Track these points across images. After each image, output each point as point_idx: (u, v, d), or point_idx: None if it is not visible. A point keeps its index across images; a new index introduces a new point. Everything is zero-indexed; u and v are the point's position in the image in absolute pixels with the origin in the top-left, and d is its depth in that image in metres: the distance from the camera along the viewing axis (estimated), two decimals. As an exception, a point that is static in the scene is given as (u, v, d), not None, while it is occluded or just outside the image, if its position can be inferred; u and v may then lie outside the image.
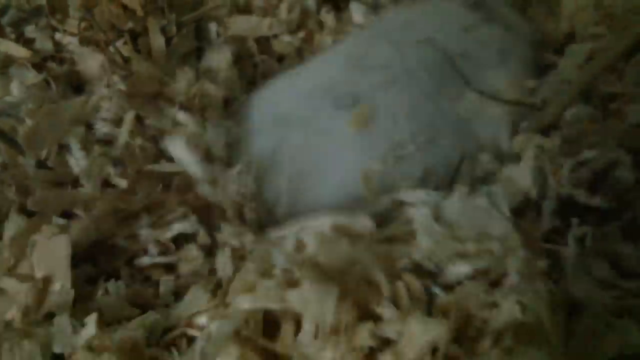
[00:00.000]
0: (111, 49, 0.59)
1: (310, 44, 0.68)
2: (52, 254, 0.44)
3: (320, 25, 0.69)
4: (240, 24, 0.64)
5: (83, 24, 0.61)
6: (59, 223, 0.47)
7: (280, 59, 0.67)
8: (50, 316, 0.42)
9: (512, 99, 0.53)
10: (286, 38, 0.66)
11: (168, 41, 0.60)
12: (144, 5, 0.61)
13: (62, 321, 0.41)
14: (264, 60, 0.64)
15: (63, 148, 0.52)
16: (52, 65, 0.60)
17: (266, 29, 0.65)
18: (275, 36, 0.66)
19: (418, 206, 0.44)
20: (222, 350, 0.37)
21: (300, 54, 0.67)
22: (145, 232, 0.48)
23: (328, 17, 0.68)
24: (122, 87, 0.55)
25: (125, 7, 0.61)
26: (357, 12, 0.68)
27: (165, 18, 0.61)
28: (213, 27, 0.63)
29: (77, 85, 0.60)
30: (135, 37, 0.60)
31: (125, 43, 0.59)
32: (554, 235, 0.45)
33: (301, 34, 0.67)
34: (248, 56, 0.64)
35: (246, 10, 0.66)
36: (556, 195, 0.46)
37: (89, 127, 0.54)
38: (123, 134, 0.52)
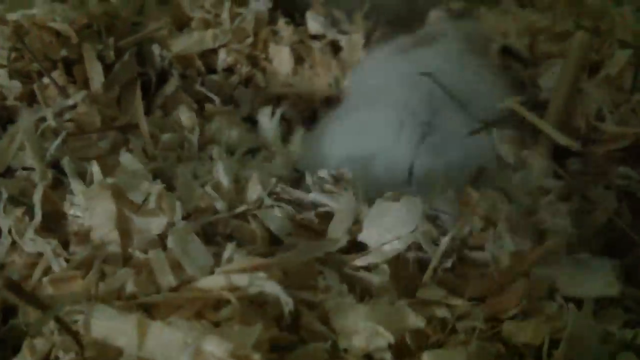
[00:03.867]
0: (45, 80, 0.55)
1: (264, 52, 0.65)
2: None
3: (275, 33, 0.66)
4: (183, 42, 0.61)
5: (13, 54, 0.57)
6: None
7: (230, 69, 0.64)
8: None
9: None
10: (235, 46, 0.64)
11: (108, 68, 0.56)
12: (79, 31, 0.57)
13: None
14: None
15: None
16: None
17: (211, 42, 0.62)
18: (224, 46, 0.64)
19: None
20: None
21: (255, 62, 0.65)
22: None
23: (283, 26, 0.66)
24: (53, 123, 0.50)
25: (58, 34, 0.57)
26: (313, 23, 0.66)
27: (103, 43, 0.57)
28: (156, 49, 0.60)
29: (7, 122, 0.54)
30: (70, 65, 0.56)
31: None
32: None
33: (249, 40, 0.64)
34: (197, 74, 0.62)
35: (187, 25, 0.63)
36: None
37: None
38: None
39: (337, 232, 0.42)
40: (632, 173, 0.48)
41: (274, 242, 0.44)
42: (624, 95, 0.54)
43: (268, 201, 0.45)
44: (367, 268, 0.41)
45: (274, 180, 0.46)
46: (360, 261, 0.41)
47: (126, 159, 0.46)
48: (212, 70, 0.63)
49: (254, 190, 0.45)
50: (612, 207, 0.47)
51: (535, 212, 0.45)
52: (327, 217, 0.44)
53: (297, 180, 0.50)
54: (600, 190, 0.48)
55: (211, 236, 0.43)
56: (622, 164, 0.49)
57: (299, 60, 0.66)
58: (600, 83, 0.54)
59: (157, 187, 0.43)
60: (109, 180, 0.43)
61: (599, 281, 0.38)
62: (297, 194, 0.46)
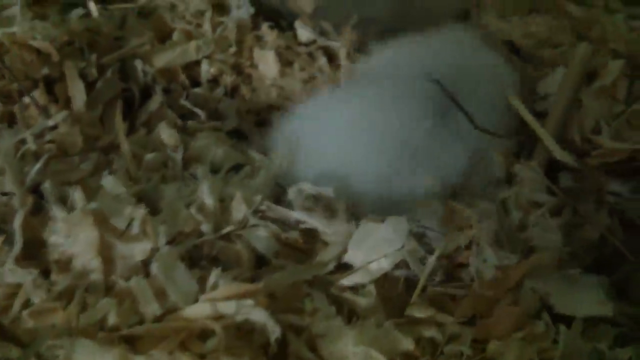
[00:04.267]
0: (26, 99, 0.54)
1: (249, 59, 0.64)
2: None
3: (259, 39, 0.65)
4: (166, 56, 0.59)
5: (-7, 74, 0.56)
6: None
7: (215, 80, 0.63)
8: None
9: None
10: (218, 57, 0.63)
11: (91, 86, 0.55)
12: (60, 49, 0.56)
13: None
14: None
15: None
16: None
17: (194, 54, 0.61)
18: (207, 57, 0.63)
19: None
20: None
21: (240, 71, 0.64)
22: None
23: (268, 32, 0.65)
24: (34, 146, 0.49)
25: (39, 52, 0.56)
26: (302, 32, 0.65)
27: (85, 60, 0.56)
28: (138, 64, 0.58)
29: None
30: (52, 84, 0.55)
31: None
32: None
33: (233, 49, 0.63)
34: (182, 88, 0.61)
35: (169, 37, 0.62)
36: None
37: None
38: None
39: (327, 256, 0.41)
40: (623, 189, 0.48)
41: (260, 262, 0.44)
42: (619, 106, 0.53)
43: (253, 220, 0.44)
44: (354, 288, 0.40)
45: (258, 198, 0.45)
46: (347, 281, 0.41)
47: (108, 182, 0.45)
48: (196, 82, 0.62)
49: (239, 210, 0.44)
50: (604, 223, 0.46)
51: (526, 228, 0.45)
52: (312, 235, 0.44)
53: (279, 196, 0.49)
54: (592, 206, 0.48)
55: (196, 259, 0.42)
56: (616, 178, 0.49)
57: (286, 63, 0.65)
58: (596, 94, 0.53)
59: (141, 211, 0.42)
60: (91, 205, 0.42)
61: (591, 299, 0.38)
62: (281, 212, 0.45)
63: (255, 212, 0.45)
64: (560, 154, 0.49)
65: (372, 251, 0.40)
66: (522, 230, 0.45)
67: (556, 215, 0.47)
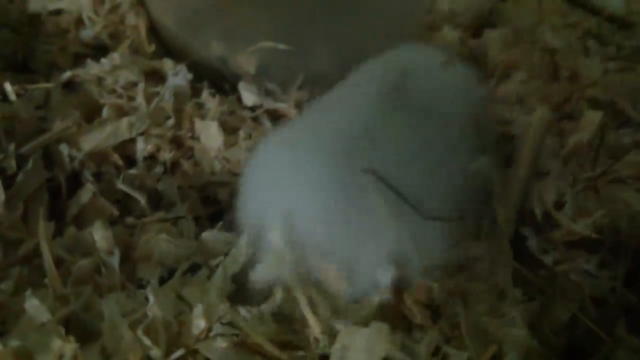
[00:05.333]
0: None
1: (190, 130, 0.60)
2: None
3: (200, 107, 0.61)
4: (95, 137, 0.54)
5: None
6: None
7: (153, 157, 0.58)
8: None
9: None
10: (155, 131, 0.58)
11: (10, 180, 0.50)
12: (-29, 140, 0.50)
13: None
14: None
15: None
16: None
17: (127, 132, 0.56)
18: (142, 133, 0.58)
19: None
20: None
21: (178, 143, 0.59)
22: None
23: (209, 100, 0.61)
24: None
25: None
26: (247, 95, 0.61)
27: (2, 152, 0.50)
28: (64, 149, 0.53)
29: None
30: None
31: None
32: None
33: (171, 121, 0.59)
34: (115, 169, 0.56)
35: (98, 114, 0.57)
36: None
37: None
38: None
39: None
40: (589, 266, 0.46)
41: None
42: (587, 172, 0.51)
43: (214, 331, 0.40)
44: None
45: (221, 308, 0.41)
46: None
47: (32, 307, 0.40)
48: (131, 160, 0.57)
49: (198, 326, 0.40)
50: (574, 303, 0.44)
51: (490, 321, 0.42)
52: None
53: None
54: (561, 283, 0.45)
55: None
56: (580, 254, 0.47)
57: (231, 131, 0.60)
58: (567, 155, 0.51)
59: (71, 346, 0.37)
60: (12, 343, 0.37)
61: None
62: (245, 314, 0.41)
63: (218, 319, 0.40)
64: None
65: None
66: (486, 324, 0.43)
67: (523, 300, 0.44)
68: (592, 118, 0.55)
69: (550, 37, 0.65)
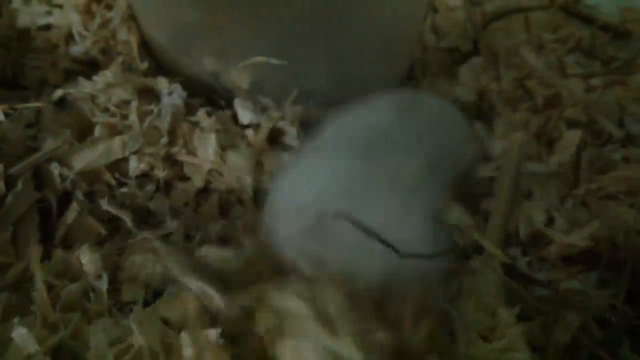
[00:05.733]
0: None
1: (184, 147, 0.59)
2: None
3: (194, 126, 0.60)
4: (87, 156, 0.53)
5: None
6: None
7: (146, 175, 0.57)
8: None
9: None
10: (148, 150, 0.57)
11: (-2, 202, 0.48)
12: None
13: None
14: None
15: None
16: None
17: (119, 151, 0.55)
18: (135, 152, 0.57)
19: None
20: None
21: (173, 162, 0.58)
22: None
23: (205, 118, 0.60)
24: None
25: None
26: (243, 112, 0.60)
27: (-11, 173, 0.49)
28: (55, 169, 0.51)
29: None
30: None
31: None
32: None
33: (164, 140, 0.58)
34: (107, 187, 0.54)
35: (90, 133, 0.56)
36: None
37: None
38: None
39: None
40: (586, 284, 0.45)
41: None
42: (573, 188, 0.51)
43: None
44: None
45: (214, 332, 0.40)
46: None
47: (20, 335, 0.39)
48: (123, 179, 0.56)
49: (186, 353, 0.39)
50: (574, 324, 0.43)
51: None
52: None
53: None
54: (560, 301, 0.45)
55: None
56: (575, 272, 0.46)
57: (225, 148, 0.59)
58: (547, 177, 0.50)
59: (58, 377, 0.36)
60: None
61: None
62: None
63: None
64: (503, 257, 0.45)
65: None
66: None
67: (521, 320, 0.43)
68: (572, 138, 0.55)
69: (532, 59, 0.64)
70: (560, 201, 0.49)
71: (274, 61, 0.59)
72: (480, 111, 0.63)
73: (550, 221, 0.49)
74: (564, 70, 0.62)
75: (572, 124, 0.58)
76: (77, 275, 0.45)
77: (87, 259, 0.45)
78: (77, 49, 0.66)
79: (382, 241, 0.43)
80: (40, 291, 0.42)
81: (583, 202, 0.50)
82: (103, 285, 0.44)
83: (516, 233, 0.49)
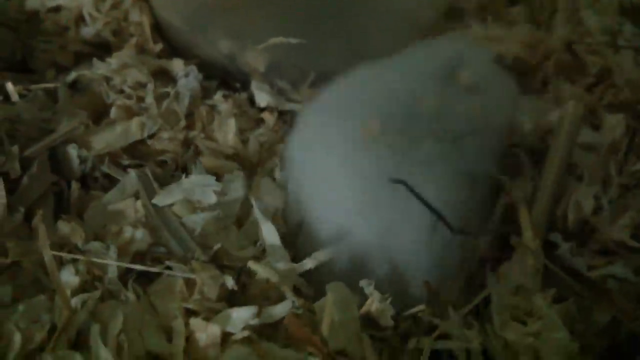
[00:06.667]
0: None
1: (204, 131, 0.57)
2: None
3: (213, 109, 0.58)
4: (104, 138, 0.52)
5: None
6: None
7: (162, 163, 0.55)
8: None
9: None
10: (165, 134, 0.55)
11: (14, 185, 0.47)
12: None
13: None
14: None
15: None
16: None
17: (137, 132, 0.53)
18: (152, 136, 0.55)
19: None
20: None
21: (193, 147, 0.56)
22: None
23: (221, 101, 0.58)
24: None
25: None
26: (260, 94, 0.59)
27: (5, 154, 0.47)
28: (72, 150, 0.50)
29: None
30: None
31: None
32: None
33: (183, 123, 0.56)
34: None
35: (105, 116, 0.54)
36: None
37: None
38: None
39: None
40: (626, 271, 0.44)
41: None
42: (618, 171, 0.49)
43: None
44: None
45: None
46: None
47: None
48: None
49: None
50: (615, 305, 0.42)
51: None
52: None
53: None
54: (598, 286, 0.43)
55: None
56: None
57: (243, 131, 0.58)
58: (596, 160, 0.49)
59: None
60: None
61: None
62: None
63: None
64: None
65: None
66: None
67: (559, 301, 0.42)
68: (615, 120, 0.53)
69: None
70: (605, 187, 0.48)
71: (292, 41, 0.57)
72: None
73: (598, 209, 0.48)
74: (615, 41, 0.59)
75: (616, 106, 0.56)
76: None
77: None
78: (87, 31, 0.63)
79: (437, 214, 0.42)
80: (50, 265, 0.40)
81: (627, 187, 0.48)
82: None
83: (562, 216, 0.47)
